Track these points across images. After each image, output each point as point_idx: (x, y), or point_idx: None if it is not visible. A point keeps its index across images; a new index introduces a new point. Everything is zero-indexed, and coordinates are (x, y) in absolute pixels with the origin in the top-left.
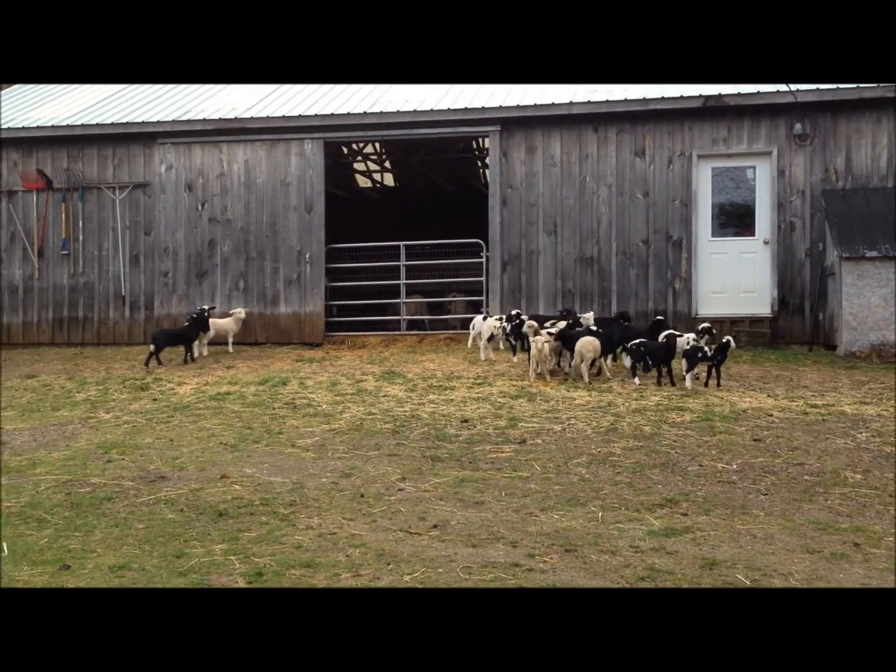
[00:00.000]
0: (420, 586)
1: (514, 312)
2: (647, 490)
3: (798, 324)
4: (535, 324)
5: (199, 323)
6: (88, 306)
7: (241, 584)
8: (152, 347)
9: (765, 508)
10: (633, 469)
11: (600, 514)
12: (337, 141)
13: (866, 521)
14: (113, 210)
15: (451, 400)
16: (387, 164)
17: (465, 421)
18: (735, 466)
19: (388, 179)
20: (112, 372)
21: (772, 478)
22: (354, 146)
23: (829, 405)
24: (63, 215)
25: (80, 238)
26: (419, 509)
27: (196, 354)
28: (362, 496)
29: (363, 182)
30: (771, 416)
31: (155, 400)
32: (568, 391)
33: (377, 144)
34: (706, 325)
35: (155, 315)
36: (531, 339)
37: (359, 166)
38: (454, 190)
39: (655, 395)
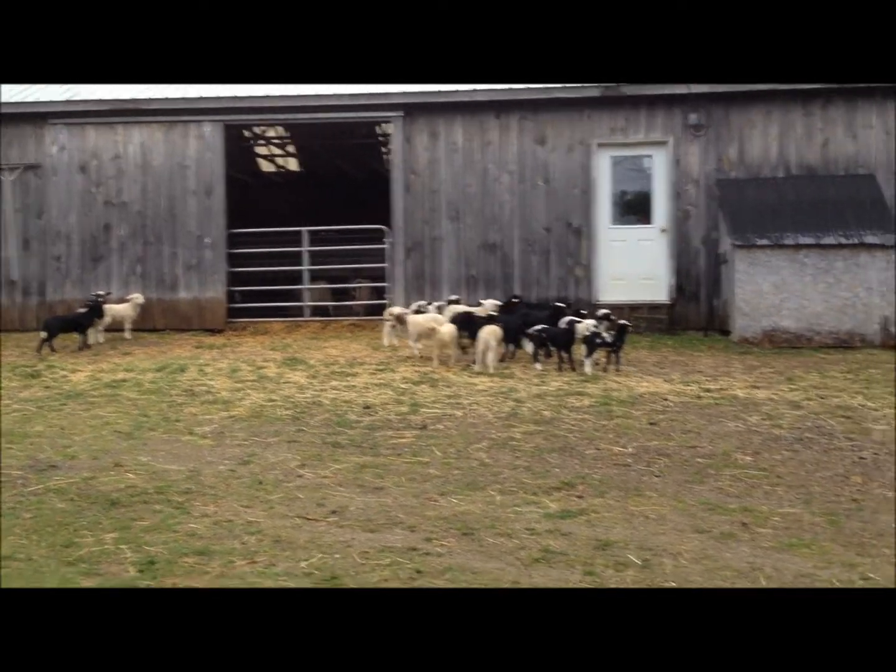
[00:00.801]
0: (316, 572)
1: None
2: (545, 474)
3: (694, 310)
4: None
5: (94, 309)
6: None
7: (132, 572)
8: (44, 334)
9: (658, 490)
10: (532, 453)
11: (498, 498)
12: (238, 124)
13: (754, 501)
14: (2, 192)
15: (354, 386)
16: (290, 150)
17: (367, 407)
18: (630, 449)
19: (293, 164)
20: (2, 359)
21: (665, 460)
22: (257, 129)
23: (722, 389)
24: None
25: None
26: (318, 495)
27: (91, 341)
28: (260, 483)
29: (267, 167)
30: (666, 400)
31: (47, 387)
32: (470, 377)
33: (280, 128)
34: (605, 311)
35: (48, 301)
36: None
37: (262, 150)
38: (359, 175)
39: (556, 381)
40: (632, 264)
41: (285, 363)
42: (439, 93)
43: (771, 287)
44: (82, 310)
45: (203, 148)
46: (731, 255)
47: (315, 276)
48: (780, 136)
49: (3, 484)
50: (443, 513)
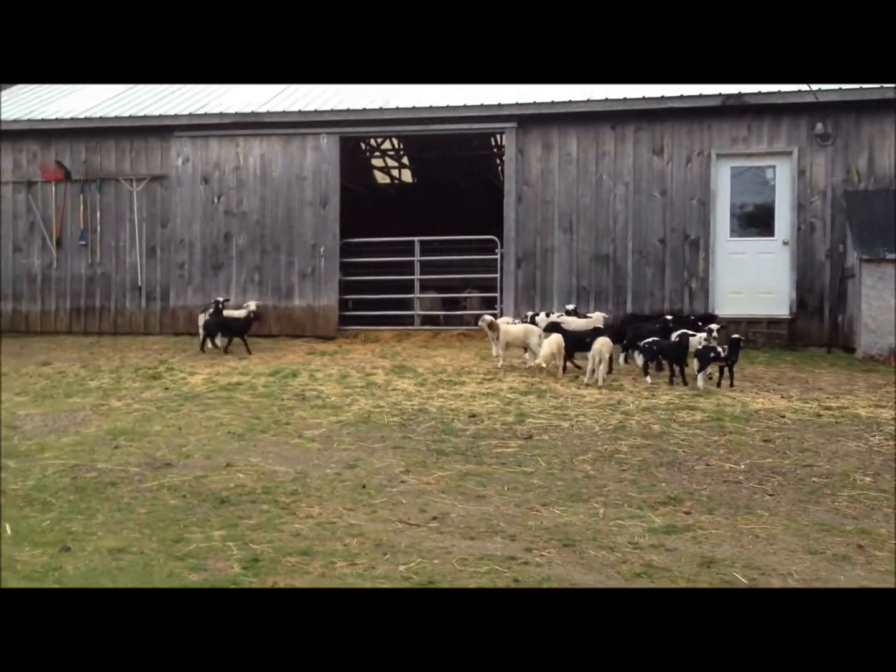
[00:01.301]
0: (414, 576)
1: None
2: (652, 488)
3: (816, 325)
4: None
5: (255, 315)
6: (105, 296)
7: (237, 569)
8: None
9: (770, 509)
10: (639, 467)
11: (602, 511)
12: (353, 136)
13: (872, 523)
14: (130, 202)
15: (461, 395)
16: (405, 161)
17: (473, 416)
18: (743, 466)
19: (407, 176)
20: (126, 361)
21: (779, 478)
22: (372, 142)
23: (844, 407)
24: (81, 206)
25: (98, 229)
26: (420, 501)
27: (210, 346)
28: (364, 487)
29: (382, 178)
30: (783, 417)
31: (166, 389)
32: (578, 388)
33: (394, 140)
34: (716, 325)
35: (171, 306)
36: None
37: (378, 163)
38: (473, 187)
39: (667, 395)
40: (751, 277)
41: (394, 371)
42: (553, 103)
43: None
44: (239, 314)
45: (320, 159)
46: (858, 269)
47: (426, 286)
48: None
49: (122, 480)
50: (544, 523)
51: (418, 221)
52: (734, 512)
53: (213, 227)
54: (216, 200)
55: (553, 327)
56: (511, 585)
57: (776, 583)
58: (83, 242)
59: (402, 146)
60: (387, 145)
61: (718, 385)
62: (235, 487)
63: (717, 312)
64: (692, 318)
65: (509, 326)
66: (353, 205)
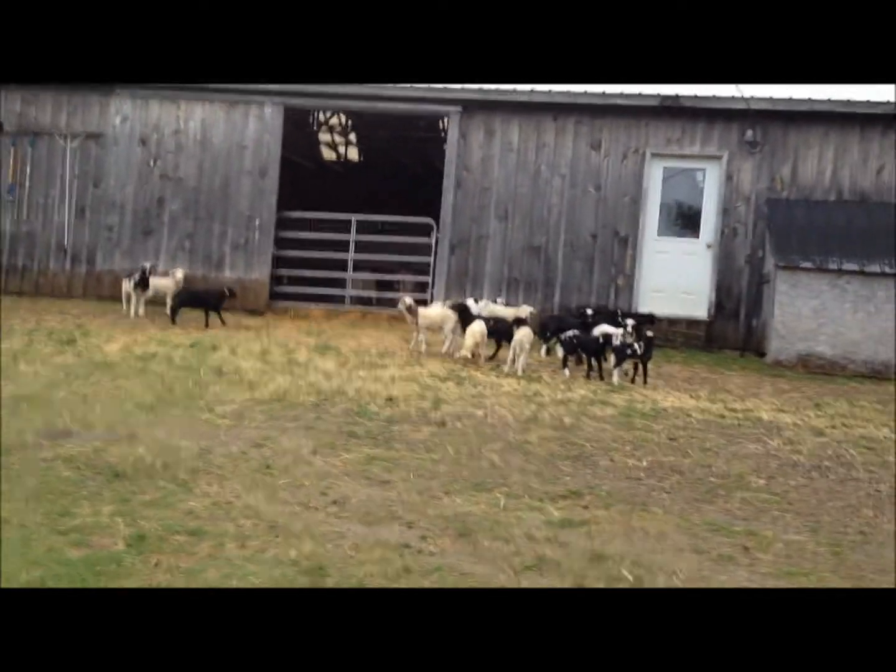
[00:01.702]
0: (304, 561)
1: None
2: (555, 480)
3: (732, 329)
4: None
5: (223, 291)
6: (29, 255)
7: (121, 546)
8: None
9: (665, 507)
10: (545, 459)
11: (503, 501)
12: (297, 107)
13: (760, 525)
14: (63, 158)
15: (380, 378)
16: (353, 139)
17: (390, 399)
18: (645, 463)
19: (354, 154)
20: (42, 324)
21: (678, 477)
22: (321, 117)
23: (748, 410)
24: (11, 160)
25: (27, 185)
26: (323, 484)
27: (133, 313)
28: (268, 467)
29: (329, 155)
30: (689, 416)
31: (79, 355)
32: (498, 377)
33: (342, 117)
34: (633, 322)
35: (96, 269)
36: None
37: (326, 139)
38: (420, 170)
39: (582, 389)
40: (674, 277)
41: (317, 349)
42: (498, 91)
43: (810, 311)
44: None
45: (262, 129)
46: (774, 276)
47: (360, 266)
48: (835, 159)
49: (15, 448)
50: (444, 512)
51: (362, 200)
52: (630, 508)
53: (146, 190)
54: (152, 163)
55: (459, 308)
56: (400, 574)
57: (661, 581)
58: (10, 198)
59: (349, 123)
60: (335, 121)
61: (633, 381)
62: (134, 462)
63: (640, 310)
64: (619, 313)
65: (427, 310)
66: (296, 178)
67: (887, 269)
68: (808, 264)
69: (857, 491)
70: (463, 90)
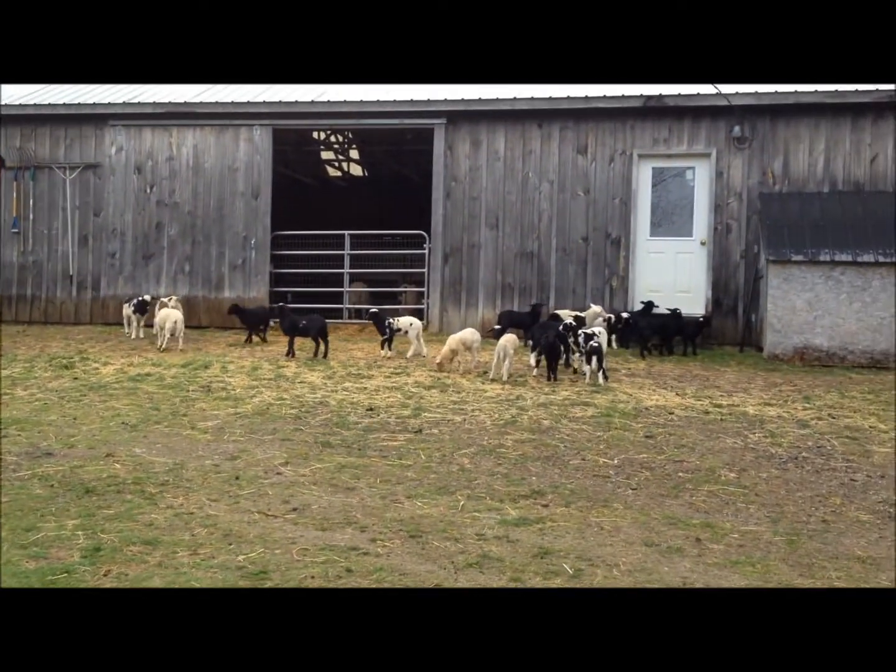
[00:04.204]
0: (249, 566)
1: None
2: (521, 481)
3: (731, 325)
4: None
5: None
6: (37, 285)
7: (77, 558)
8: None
9: (627, 502)
10: (516, 461)
11: (462, 503)
12: (286, 128)
13: (720, 518)
14: (63, 190)
15: (365, 388)
16: (355, 155)
17: (371, 409)
18: (616, 461)
19: (358, 170)
20: (46, 350)
21: (647, 473)
22: (318, 135)
23: (734, 405)
24: (14, 194)
25: (31, 217)
26: (287, 493)
27: (133, 336)
28: (237, 479)
29: (334, 172)
30: (672, 414)
31: (76, 378)
32: (483, 384)
33: (339, 135)
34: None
35: (101, 295)
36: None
37: (329, 156)
38: (419, 181)
39: (566, 390)
40: (669, 276)
41: (306, 363)
42: (482, 100)
43: (804, 304)
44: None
45: (252, 151)
46: (766, 270)
47: (356, 280)
48: (826, 151)
49: None
50: (401, 515)
51: (366, 214)
52: (591, 505)
53: (144, 216)
54: (148, 190)
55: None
56: (341, 575)
57: (600, 573)
58: (15, 230)
59: (347, 140)
60: (333, 138)
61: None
62: (107, 478)
63: (635, 309)
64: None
65: (399, 320)
66: (300, 196)
67: (881, 259)
68: (799, 257)
69: (830, 481)
70: (445, 101)
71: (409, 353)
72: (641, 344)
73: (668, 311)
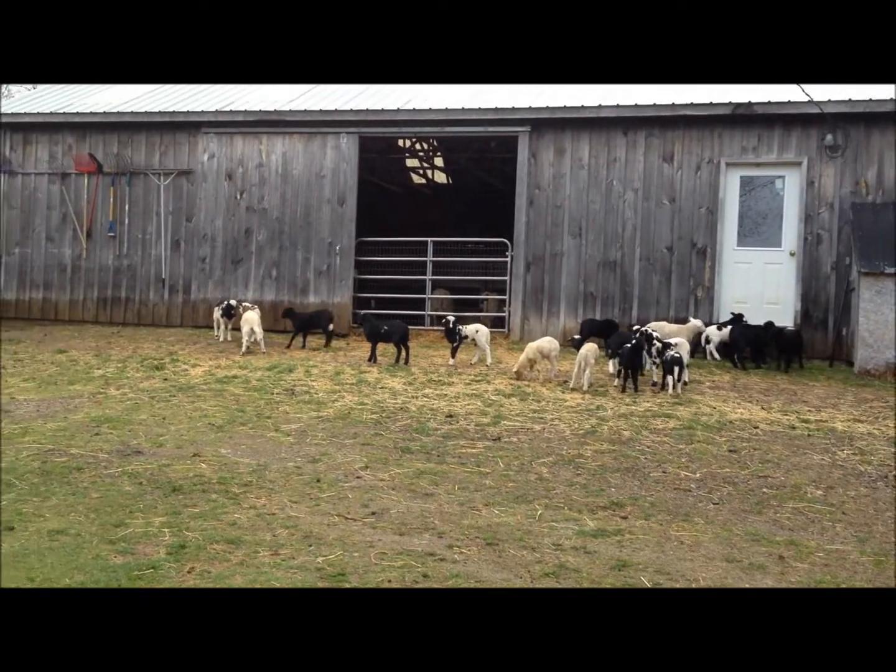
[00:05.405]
0: (328, 568)
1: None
2: (599, 492)
3: (821, 338)
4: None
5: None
6: (131, 287)
7: (162, 555)
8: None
9: (708, 517)
10: (595, 471)
11: (540, 513)
12: (372, 136)
13: (805, 535)
14: (157, 195)
15: (445, 395)
16: (440, 162)
17: (450, 416)
18: (698, 475)
19: (442, 177)
20: (138, 351)
21: (730, 488)
22: (404, 142)
23: (822, 421)
24: (111, 199)
25: (126, 221)
26: (366, 497)
27: (222, 339)
28: (318, 481)
29: (418, 179)
30: (756, 428)
31: (165, 380)
32: (563, 393)
33: (424, 142)
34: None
35: (192, 299)
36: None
37: (414, 163)
38: (504, 188)
39: (648, 401)
40: (756, 287)
41: (388, 369)
42: (565, 108)
43: None
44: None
45: (339, 158)
46: (857, 282)
47: (438, 286)
48: None
49: (88, 466)
50: (479, 522)
51: (450, 222)
52: (671, 519)
53: (234, 222)
54: (238, 196)
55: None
56: (418, 580)
57: (679, 588)
58: (112, 234)
59: (432, 148)
60: (419, 146)
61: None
62: (193, 477)
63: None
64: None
65: (466, 327)
66: (384, 203)
67: None
68: (893, 269)
69: None
70: (530, 109)
71: (474, 360)
72: (736, 356)
73: (765, 324)
